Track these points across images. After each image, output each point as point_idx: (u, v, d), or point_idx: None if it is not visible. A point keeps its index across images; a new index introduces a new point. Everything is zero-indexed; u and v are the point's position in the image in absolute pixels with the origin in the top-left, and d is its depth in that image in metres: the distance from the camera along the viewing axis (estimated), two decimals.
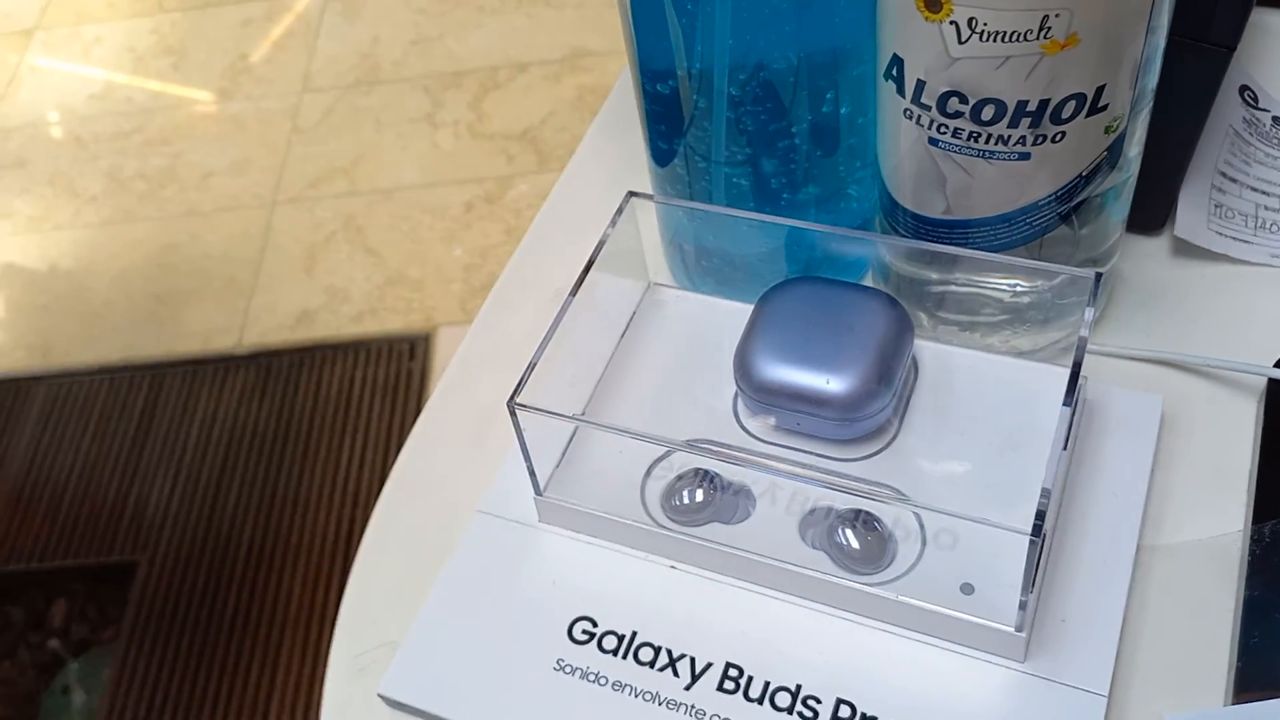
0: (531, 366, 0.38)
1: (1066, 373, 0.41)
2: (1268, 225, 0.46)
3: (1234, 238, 0.46)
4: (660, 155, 0.45)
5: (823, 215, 0.45)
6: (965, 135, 0.36)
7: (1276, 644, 0.35)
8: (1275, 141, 0.48)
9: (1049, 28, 0.33)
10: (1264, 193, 0.47)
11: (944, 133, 0.37)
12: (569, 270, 0.52)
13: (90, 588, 1.48)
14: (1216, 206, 0.47)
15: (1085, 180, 0.38)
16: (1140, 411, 0.41)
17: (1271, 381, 0.41)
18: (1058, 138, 0.36)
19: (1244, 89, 0.49)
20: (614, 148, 0.58)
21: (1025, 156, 0.36)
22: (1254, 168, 0.48)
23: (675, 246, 0.47)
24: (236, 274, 1.75)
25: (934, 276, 0.42)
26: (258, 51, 2.08)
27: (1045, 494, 0.33)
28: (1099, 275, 0.37)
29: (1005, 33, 0.33)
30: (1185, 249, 0.47)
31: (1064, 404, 0.35)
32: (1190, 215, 0.46)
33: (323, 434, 1.57)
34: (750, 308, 0.44)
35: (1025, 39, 0.33)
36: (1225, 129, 0.48)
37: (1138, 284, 0.46)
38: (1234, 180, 0.47)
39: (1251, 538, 0.37)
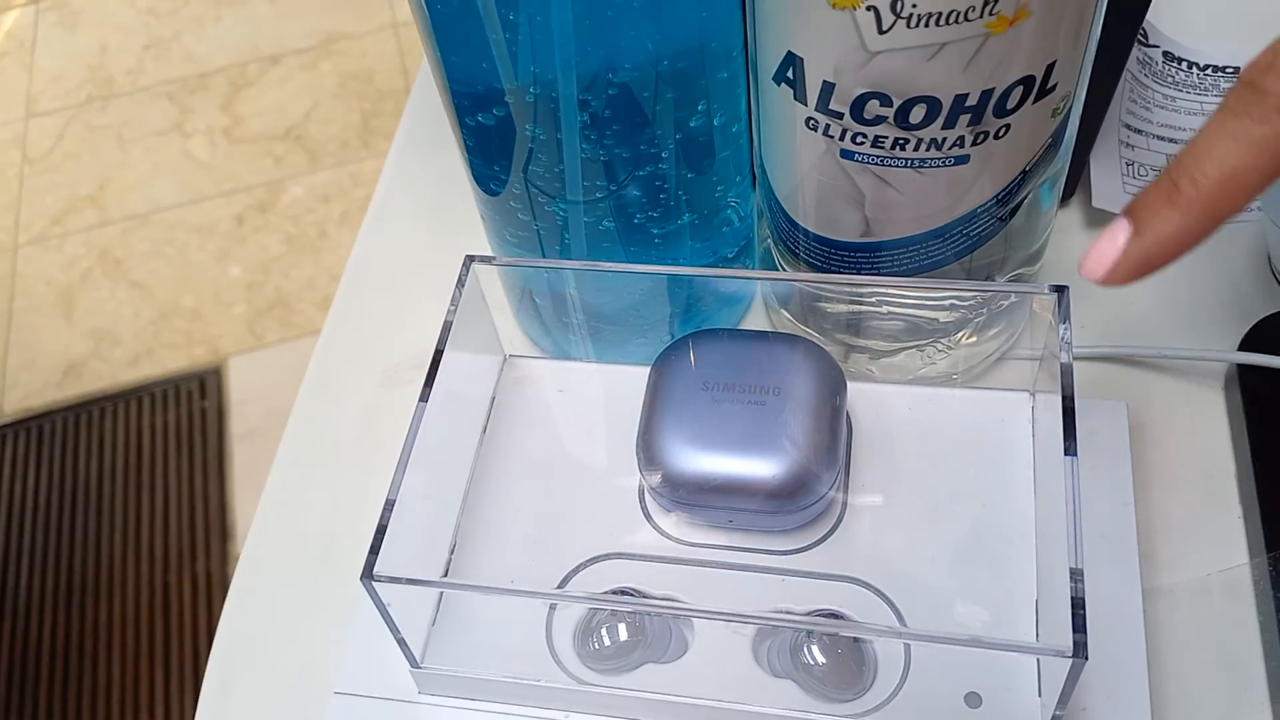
0: (388, 508, 0.29)
1: (1019, 398, 0.35)
2: None
3: None
4: (491, 190, 0.36)
5: (701, 242, 0.37)
6: (889, 144, 0.29)
7: None
8: (1170, 81, 0.43)
9: (996, 1, 0.26)
10: (1170, 140, 0.42)
11: (861, 143, 0.29)
12: (394, 340, 0.43)
13: None
14: (1128, 165, 0.41)
15: (1027, 175, 0.31)
16: (1106, 423, 0.35)
17: (1242, 367, 0.36)
18: (1001, 132, 0.29)
19: None
20: (424, 170, 0.48)
21: (963, 160, 0.29)
22: (1155, 112, 0.42)
23: (527, 301, 0.39)
24: None
25: (850, 299, 0.35)
26: None
27: (1076, 578, 0.26)
28: (1063, 289, 0.31)
29: (941, 14, 0.26)
30: (1099, 220, 0.41)
31: (1066, 453, 0.28)
32: (1104, 180, 0.40)
33: (115, 497, 1.41)
34: (633, 369, 0.36)
35: (966, 18, 0.26)
36: (1124, 75, 0.42)
37: (1059, 269, 0.40)
38: (1139, 131, 0.42)
39: (1273, 567, 0.31)
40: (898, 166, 0.29)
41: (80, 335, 1.53)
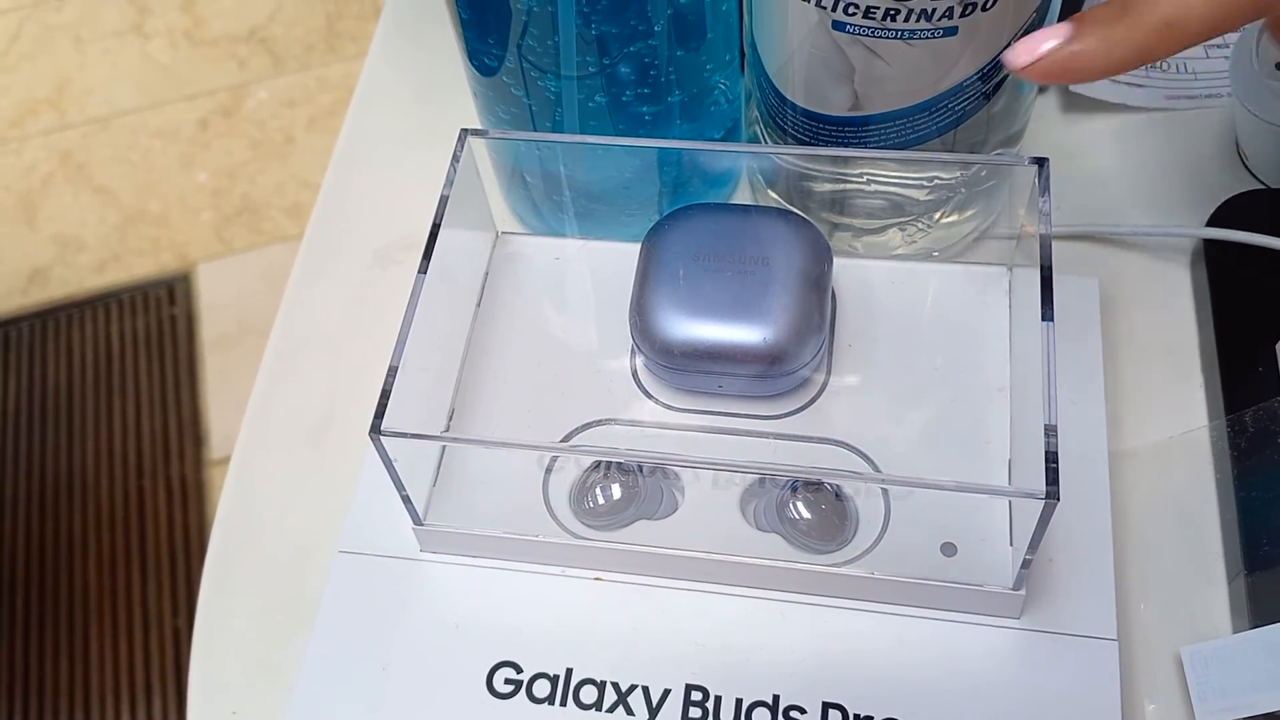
0: (391, 373, 0.30)
1: (996, 272, 0.36)
2: (1158, 63, 0.42)
3: (1127, 83, 0.42)
4: (484, 68, 0.36)
5: (689, 123, 0.37)
6: (880, 14, 0.30)
7: None
8: None
9: None
10: None
11: (853, 14, 0.30)
12: (385, 222, 0.43)
13: None
14: None
15: None
16: (1078, 298, 0.36)
17: (1208, 244, 0.37)
18: (989, 4, 0.30)
19: None
20: (414, 48, 0.48)
21: (951, 32, 0.30)
22: None
23: (518, 180, 0.39)
24: None
25: (835, 178, 0.36)
26: None
27: (1051, 434, 0.27)
28: (1043, 161, 0.32)
29: None
30: (1074, 104, 0.42)
31: (1043, 318, 0.29)
32: None
33: (86, 403, 1.40)
34: (622, 246, 0.37)
35: None
36: None
37: (1035, 152, 0.41)
38: None
39: (1231, 429, 0.33)
40: (888, 38, 0.30)
41: (44, 241, 1.51)
